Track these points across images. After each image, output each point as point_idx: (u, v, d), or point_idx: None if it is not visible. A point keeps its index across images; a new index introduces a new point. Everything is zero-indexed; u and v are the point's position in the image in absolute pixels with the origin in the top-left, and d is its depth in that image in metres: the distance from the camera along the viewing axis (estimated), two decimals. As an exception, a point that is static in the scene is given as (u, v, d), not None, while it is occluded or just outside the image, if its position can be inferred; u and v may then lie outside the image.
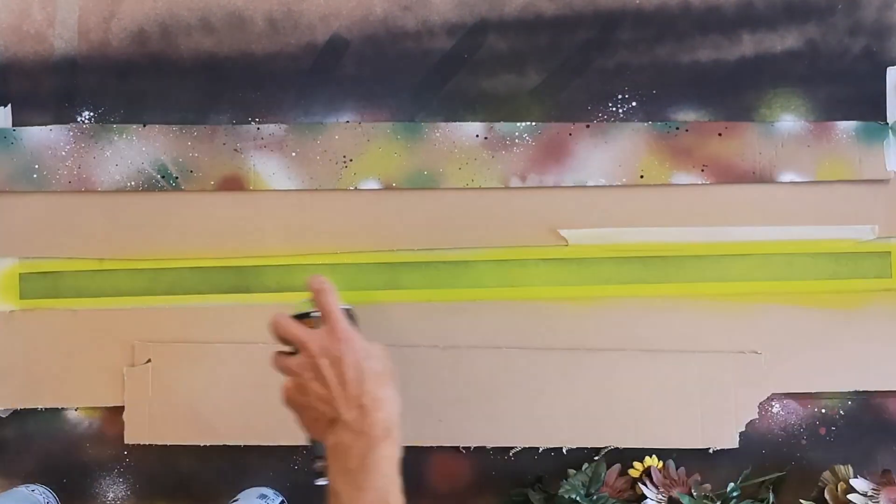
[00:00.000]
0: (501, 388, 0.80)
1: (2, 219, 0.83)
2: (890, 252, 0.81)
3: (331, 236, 0.82)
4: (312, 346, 0.63)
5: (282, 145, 0.82)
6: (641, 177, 0.81)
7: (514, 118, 0.82)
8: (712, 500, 0.78)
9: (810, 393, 0.81)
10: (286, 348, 0.66)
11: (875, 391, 0.81)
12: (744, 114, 0.82)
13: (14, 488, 0.81)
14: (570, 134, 0.82)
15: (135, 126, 0.82)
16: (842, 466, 0.79)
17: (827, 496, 0.78)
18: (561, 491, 0.78)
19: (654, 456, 0.80)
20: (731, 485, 0.79)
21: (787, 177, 0.81)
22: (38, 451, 0.83)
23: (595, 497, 0.79)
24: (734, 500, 0.78)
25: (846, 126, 0.81)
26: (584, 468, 0.80)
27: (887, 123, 0.82)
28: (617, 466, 0.80)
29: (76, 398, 0.82)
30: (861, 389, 0.81)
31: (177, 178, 0.82)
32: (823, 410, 0.82)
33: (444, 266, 0.82)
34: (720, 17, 0.82)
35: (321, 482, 0.64)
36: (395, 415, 0.62)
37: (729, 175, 0.81)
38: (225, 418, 0.81)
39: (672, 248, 0.81)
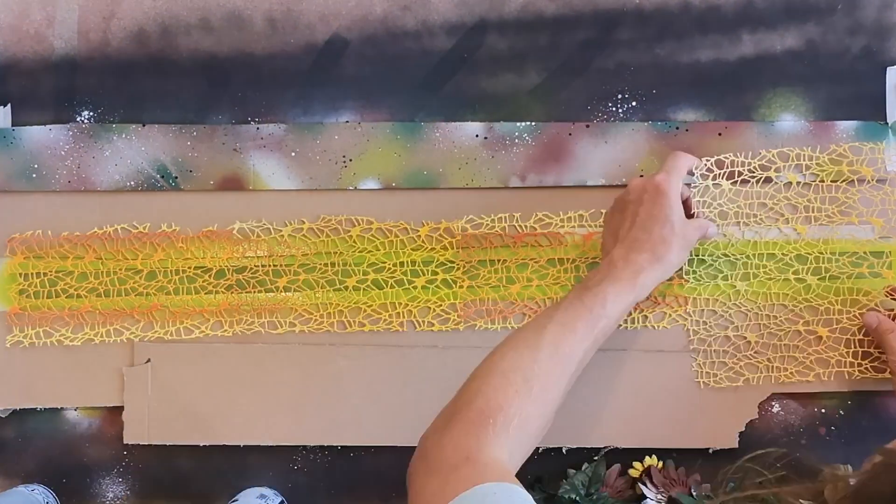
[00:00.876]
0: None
1: (1, 219, 0.82)
2: (889, 252, 0.81)
3: (331, 235, 0.82)
4: (631, 186, 0.76)
5: (281, 145, 0.82)
6: (641, 177, 0.81)
7: (514, 118, 0.82)
8: (711, 499, 0.78)
9: (810, 393, 0.81)
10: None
11: (875, 391, 0.81)
12: (744, 114, 0.82)
13: (13, 488, 0.81)
14: (570, 134, 0.82)
15: (134, 126, 0.82)
16: (841, 466, 0.79)
17: (827, 496, 0.78)
18: (561, 491, 0.78)
19: (654, 456, 0.80)
20: (731, 484, 0.79)
21: (783, 176, 0.81)
22: (37, 451, 0.83)
23: (595, 497, 0.79)
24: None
25: (846, 126, 0.81)
26: (584, 468, 0.80)
27: (887, 123, 0.82)
28: (617, 466, 0.80)
29: (76, 398, 0.82)
30: (861, 389, 0.81)
31: (176, 177, 0.82)
32: (823, 410, 0.82)
33: (444, 266, 0.82)
34: (720, 17, 0.82)
35: None
36: (648, 265, 0.72)
37: (728, 175, 0.81)
38: (225, 418, 0.81)
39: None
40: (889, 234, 0.81)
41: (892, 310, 0.80)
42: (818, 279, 0.81)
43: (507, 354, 0.67)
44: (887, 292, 0.80)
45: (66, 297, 0.82)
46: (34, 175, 0.82)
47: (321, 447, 0.82)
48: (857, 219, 0.81)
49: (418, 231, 0.82)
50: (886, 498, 0.49)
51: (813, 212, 0.81)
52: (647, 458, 0.80)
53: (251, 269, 0.82)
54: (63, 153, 0.82)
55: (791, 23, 0.82)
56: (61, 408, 0.83)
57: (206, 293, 0.82)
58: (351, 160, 0.82)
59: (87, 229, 0.82)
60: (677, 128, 0.82)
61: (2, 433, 0.83)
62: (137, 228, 0.82)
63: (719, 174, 0.81)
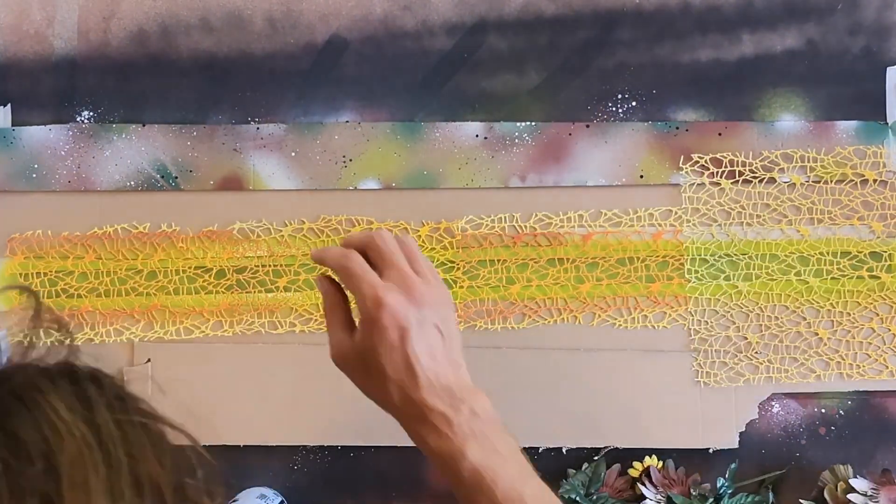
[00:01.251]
0: (501, 388, 0.80)
1: (1, 219, 0.82)
2: (890, 252, 0.81)
3: (331, 235, 0.82)
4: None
5: (281, 145, 0.82)
6: (641, 177, 0.81)
7: (514, 118, 0.82)
8: (705, 498, 0.78)
9: (810, 393, 0.81)
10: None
11: (875, 391, 0.81)
12: (744, 114, 0.82)
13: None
14: (570, 134, 0.82)
15: (134, 126, 0.82)
16: (841, 466, 0.79)
17: (827, 496, 0.78)
18: (561, 491, 0.78)
19: (653, 456, 0.80)
20: (721, 480, 0.79)
21: (786, 177, 0.81)
22: (37, 451, 0.83)
23: (595, 497, 0.79)
24: (727, 497, 0.78)
25: (846, 126, 0.81)
26: (583, 468, 0.80)
27: (887, 123, 0.82)
28: (617, 466, 0.80)
29: (76, 398, 0.82)
30: (861, 389, 0.81)
31: (176, 177, 0.82)
32: (823, 410, 0.82)
33: (444, 266, 0.81)
34: (720, 17, 0.82)
35: None
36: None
37: (728, 175, 0.81)
38: (225, 418, 0.81)
39: (671, 247, 0.81)
40: (889, 234, 0.81)
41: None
42: (820, 280, 0.81)
43: None
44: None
45: (66, 297, 0.82)
46: (34, 175, 0.82)
47: (321, 447, 0.82)
48: (858, 221, 0.81)
49: (418, 231, 0.82)
50: None
51: (816, 213, 0.81)
52: (647, 458, 0.80)
53: (251, 269, 0.82)
54: (63, 153, 0.82)
55: (791, 23, 0.82)
56: (61, 408, 0.83)
57: (206, 293, 0.82)
58: (351, 160, 0.82)
59: (87, 229, 0.82)
60: (677, 128, 0.82)
61: (2, 433, 0.83)
62: (137, 228, 0.82)
63: (717, 172, 0.81)
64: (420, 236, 0.82)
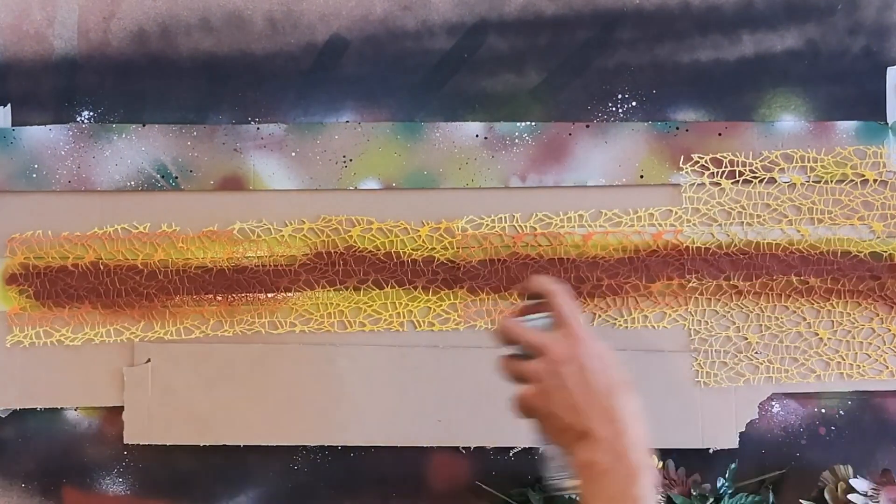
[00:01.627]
0: (501, 388, 0.80)
1: (1, 219, 0.82)
2: (890, 252, 0.81)
3: (331, 235, 0.82)
4: (555, 352, 0.59)
5: (282, 145, 0.82)
6: (641, 177, 0.81)
7: (514, 118, 0.82)
8: (705, 498, 0.78)
9: (810, 393, 0.81)
10: (513, 350, 0.62)
11: (875, 391, 0.81)
12: (744, 114, 0.82)
13: None
14: (570, 134, 0.82)
15: (134, 126, 0.82)
16: (841, 466, 0.79)
17: (827, 496, 0.78)
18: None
19: (653, 456, 0.80)
20: (721, 480, 0.79)
21: (786, 177, 0.81)
22: (37, 451, 0.83)
23: (595, 497, 0.78)
24: (727, 497, 0.78)
25: (846, 126, 0.81)
26: (584, 468, 0.80)
27: (887, 123, 0.82)
28: (617, 466, 0.80)
29: (76, 398, 0.82)
30: (861, 389, 0.81)
31: (176, 177, 0.82)
32: (823, 410, 0.82)
33: (444, 266, 0.81)
34: (720, 17, 0.82)
35: (562, 487, 0.61)
36: (645, 431, 0.59)
37: (729, 175, 0.81)
38: (225, 418, 0.81)
39: (671, 246, 0.81)
40: (889, 234, 0.81)
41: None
42: (820, 280, 0.81)
43: None
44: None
45: (66, 297, 0.82)
46: (34, 175, 0.82)
47: (321, 447, 0.82)
48: (858, 221, 0.81)
49: (418, 231, 0.82)
50: None
51: (816, 213, 0.81)
52: (647, 458, 0.80)
53: (251, 269, 0.82)
54: (63, 153, 0.82)
55: (791, 23, 0.82)
56: (61, 408, 0.83)
57: (206, 293, 0.82)
58: (351, 160, 0.82)
59: (87, 229, 0.82)
60: (677, 128, 0.82)
61: (2, 433, 0.83)
62: (137, 228, 0.82)
63: (717, 172, 0.81)
64: (420, 236, 0.82)
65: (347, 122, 0.82)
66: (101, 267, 0.82)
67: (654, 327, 0.81)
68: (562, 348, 0.60)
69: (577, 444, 0.58)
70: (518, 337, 0.62)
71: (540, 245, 0.82)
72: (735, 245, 0.81)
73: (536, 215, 0.82)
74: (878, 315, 0.81)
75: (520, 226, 0.82)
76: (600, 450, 0.57)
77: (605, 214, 0.81)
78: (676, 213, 0.81)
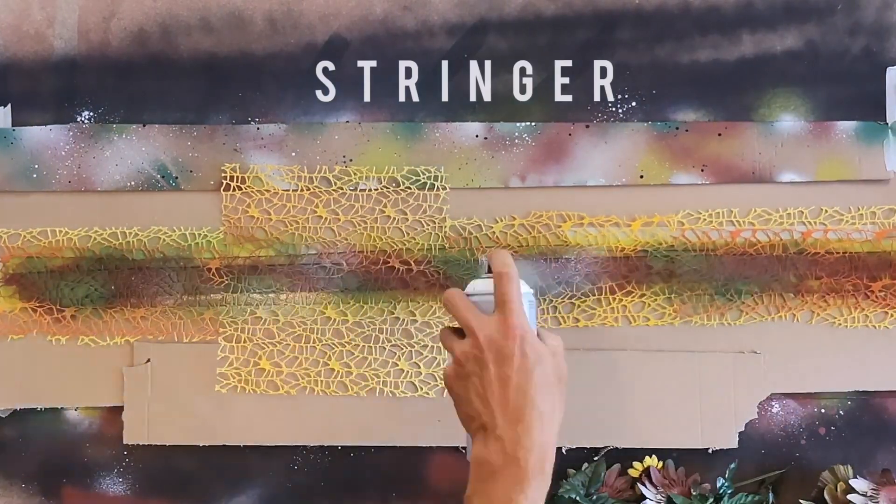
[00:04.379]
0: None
1: (1, 219, 0.82)
2: (890, 252, 0.81)
3: (331, 235, 0.82)
4: (481, 337, 0.57)
5: (281, 145, 0.82)
6: (641, 177, 0.81)
7: (514, 118, 0.82)
8: (705, 498, 0.78)
9: (810, 393, 0.81)
10: (456, 324, 0.61)
11: (875, 391, 0.81)
12: (744, 114, 0.82)
13: None
14: (570, 134, 0.82)
15: (134, 126, 0.82)
16: (841, 466, 0.79)
17: (826, 496, 0.78)
18: (561, 491, 0.78)
19: (653, 456, 0.80)
20: (721, 480, 0.79)
21: (786, 177, 0.81)
22: (37, 451, 0.83)
23: (595, 497, 0.79)
24: (727, 497, 0.78)
25: (846, 126, 0.81)
26: (583, 468, 0.80)
27: (887, 123, 0.82)
28: (617, 466, 0.80)
29: (76, 398, 0.82)
30: (861, 389, 0.81)
31: (176, 177, 0.82)
32: (823, 410, 0.82)
33: (443, 265, 0.81)
34: (720, 17, 0.82)
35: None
36: (554, 438, 0.57)
37: (729, 175, 0.81)
38: (225, 418, 0.81)
39: (672, 246, 0.81)
40: (889, 234, 0.81)
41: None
42: (820, 281, 0.81)
43: None
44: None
45: (66, 298, 0.82)
46: (34, 175, 0.82)
47: (321, 447, 0.82)
48: (858, 222, 0.81)
49: (630, 225, 0.81)
50: None
51: (816, 214, 0.81)
52: (647, 458, 0.80)
53: (251, 268, 0.82)
54: (63, 153, 0.82)
55: (791, 23, 0.82)
56: (61, 408, 0.83)
57: (206, 293, 0.82)
58: (351, 160, 0.82)
59: (87, 229, 0.82)
60: (677, 128, 0.82)
61: (2, 433, 0.83)
62: (137, 228, 0.82)
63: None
64: (632, 230, 0.81)
65: (347, 122, 0.83)
66: (101, 267, 0.82)
67: (874, 327, 0.81)
68: (489, 334, 0.58)
69: (476, 436, 0.57)
70: (454, 311, 0.60)
71: (758, 242, 0.81)
72: (732, 245, 0.81)
73: (755, 210, 0.81)
74: (886, 314, 0.81)
75: (738, 221, 0.81)
76: (495, 450, 0.56)
77: (826, 212, 0.81)
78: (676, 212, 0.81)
